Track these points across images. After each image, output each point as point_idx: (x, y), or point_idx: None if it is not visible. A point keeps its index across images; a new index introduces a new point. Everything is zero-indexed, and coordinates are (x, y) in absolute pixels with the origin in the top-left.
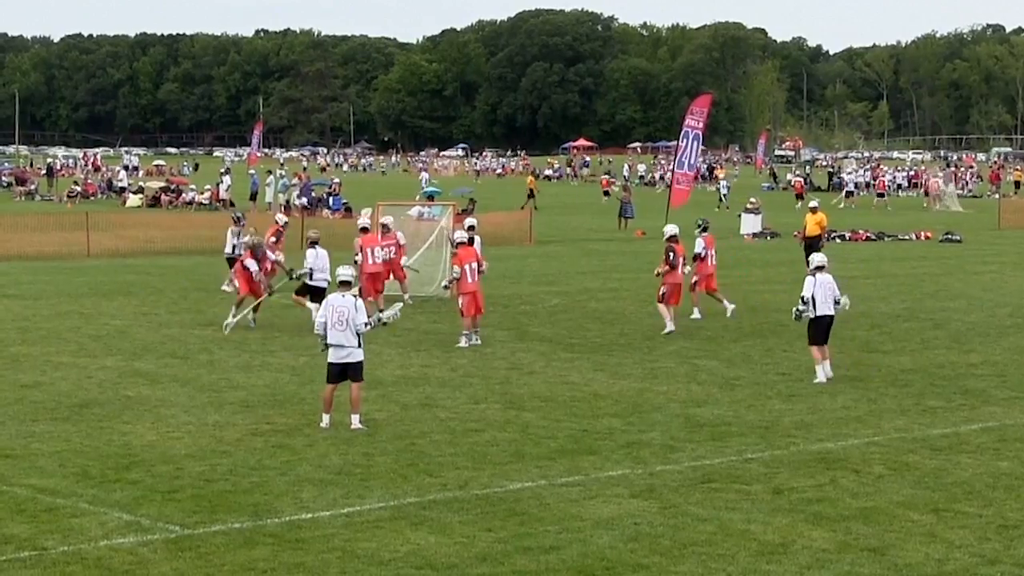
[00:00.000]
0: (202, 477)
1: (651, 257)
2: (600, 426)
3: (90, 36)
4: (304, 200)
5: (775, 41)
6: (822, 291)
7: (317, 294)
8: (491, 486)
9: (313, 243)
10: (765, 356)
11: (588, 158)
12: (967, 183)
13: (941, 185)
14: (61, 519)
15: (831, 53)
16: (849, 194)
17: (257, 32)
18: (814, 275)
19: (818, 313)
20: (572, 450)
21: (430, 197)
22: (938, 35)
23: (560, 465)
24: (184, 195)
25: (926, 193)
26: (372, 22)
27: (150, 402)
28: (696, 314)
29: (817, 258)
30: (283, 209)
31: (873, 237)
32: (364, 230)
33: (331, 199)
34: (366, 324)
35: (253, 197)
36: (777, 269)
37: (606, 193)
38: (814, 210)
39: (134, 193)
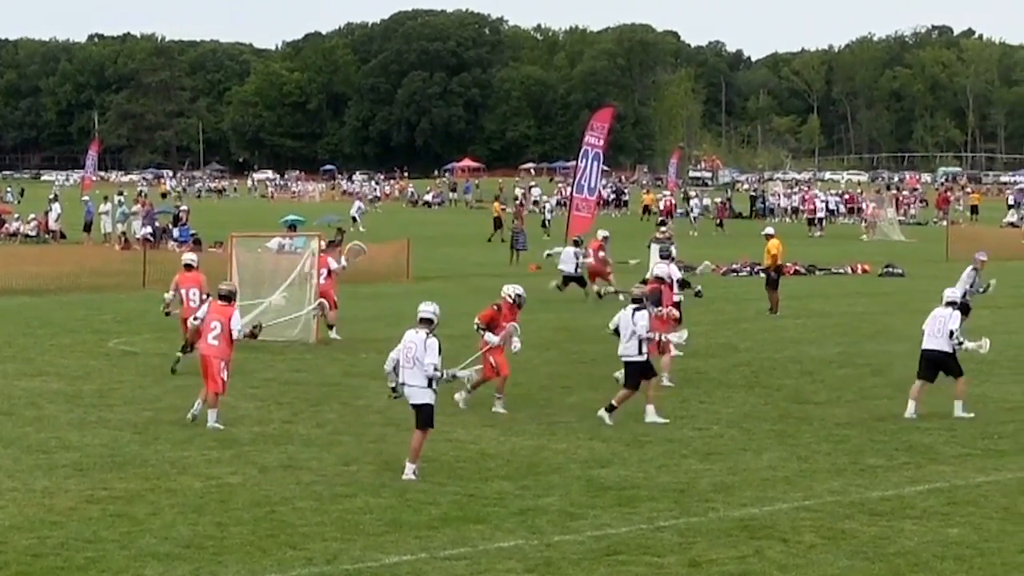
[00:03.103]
0: (29, 552)
1: (546, 296)
2: (489, 490)
3: None
4: (147, 231)
5: (689, 46)
6: (931, 324)
7: None
8: (364, 560)
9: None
10: (679, 408)
11: (536, 183)
12: (909, 208)
13: (880, 211)
14: None
15: (753, 59)
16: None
17: (91, 37)
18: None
19: (922, 346)
20: (457, 518)
21: (292, 227)
22: (876, 38)
23: (443, 535)
24: (7, 225)
25: (864, 220)
26: (224, 26)
27: None
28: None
29: (947, 292)
30: (122, 241)
31: (803, 271)
32: (187, 267)
33: (178, 229)
34: (435, 368)
35: (88, 228)
36: (691, 308)
37: (543, 224)
38: (768, 237)
39: None
